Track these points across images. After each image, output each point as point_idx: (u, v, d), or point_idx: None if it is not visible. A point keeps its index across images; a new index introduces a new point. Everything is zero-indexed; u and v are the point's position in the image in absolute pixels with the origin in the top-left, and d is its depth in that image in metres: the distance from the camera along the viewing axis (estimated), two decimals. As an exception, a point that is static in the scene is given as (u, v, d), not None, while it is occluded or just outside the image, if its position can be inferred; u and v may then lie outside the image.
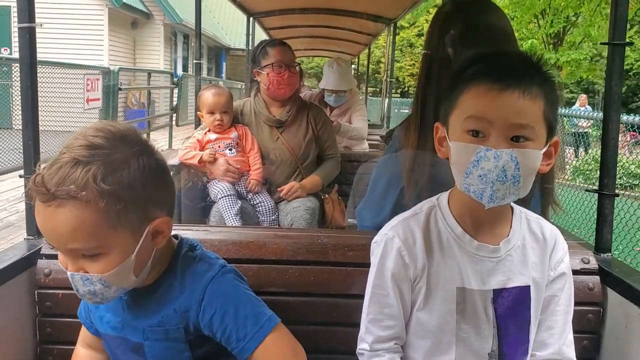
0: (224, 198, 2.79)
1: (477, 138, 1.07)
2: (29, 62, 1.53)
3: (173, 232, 1.25)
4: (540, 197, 1.51)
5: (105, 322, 1.24)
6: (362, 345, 1.22)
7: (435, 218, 1.21)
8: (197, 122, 3.40)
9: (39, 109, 1.57)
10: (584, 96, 13.91)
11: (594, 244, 1.60)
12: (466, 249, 1.17)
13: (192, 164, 2.85)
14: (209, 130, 2.91)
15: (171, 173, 2.94)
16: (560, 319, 1.22)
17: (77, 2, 13.71)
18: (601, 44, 1.94)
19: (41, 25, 10.93)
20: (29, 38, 1.52)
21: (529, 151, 1.06)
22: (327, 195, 3.12)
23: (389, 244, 1.20)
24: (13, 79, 7.67)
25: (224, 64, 24.58)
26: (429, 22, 1.70)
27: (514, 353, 1.18)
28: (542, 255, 1.21)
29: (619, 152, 1.75)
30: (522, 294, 1.18)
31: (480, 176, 1.06)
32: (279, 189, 2.94)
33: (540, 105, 1.07)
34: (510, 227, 1.20)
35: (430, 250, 1.18)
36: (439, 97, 1.36)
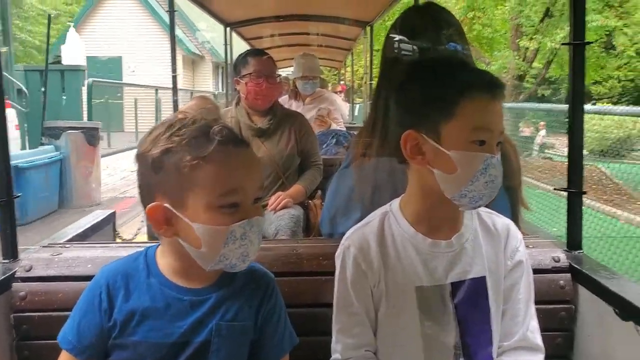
0: None
1: (481, 147, 1.12)
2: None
3: None
4: (508, 197, 1.53)
5: (150, 330, 1.14)
6: (335, 356, 1.24)
7: (389, 222, 1.25)
8: None
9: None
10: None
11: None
12: (420, 248, 1.21)
13: None
14: None
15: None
16: (522, 307, 1.25)
17: (164, 52, 19.45)
18: (562, 44, 1.97)
19: (133, 70, 20.37)
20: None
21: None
22: (310, 202, 3.12)
23: (346, 253, 1.24)
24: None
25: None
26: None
27: (477, 343, 1.21)
28: (495, 246, 1.25)
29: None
30: (478, 285, 1.21)
31: (487, 182, 1.12)
32: (267, 203, 2.92)
33: None
34: (462, 222, 1.24)
35: (385, 255, 1.22)
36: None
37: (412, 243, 1.21)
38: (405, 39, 1.57)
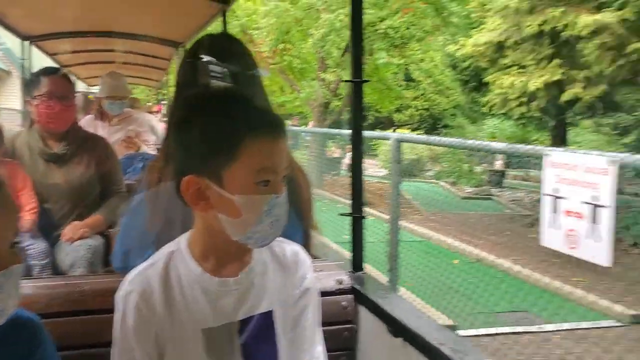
0: None
1: (265, 187, 1.09)
2: None
3: None
4: (299, 222, 1.58)
5: None
6: None
7: (175, 263, 1.19)
8: None
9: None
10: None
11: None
12: (208, 288, 1.17)
13: None
14: None
15: None
16: (308, 334, 1.27)
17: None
18: (344, 81, 2.15)
19: None
20: None
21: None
22: (111, 231, 2.96)
23: (128, 299, 1.16)
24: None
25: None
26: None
27: None
28: (285, 276, 1.26)
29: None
30: (266, 319, 1.21)
31: (272, 222, 1.11)
32: (62, 233, 2.71)
33: None
34: (252, 256, 1.22)
35: (170, 299, 1.16)
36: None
37: (200, 283, 1.17)
38: (215, 60, 1.53)
